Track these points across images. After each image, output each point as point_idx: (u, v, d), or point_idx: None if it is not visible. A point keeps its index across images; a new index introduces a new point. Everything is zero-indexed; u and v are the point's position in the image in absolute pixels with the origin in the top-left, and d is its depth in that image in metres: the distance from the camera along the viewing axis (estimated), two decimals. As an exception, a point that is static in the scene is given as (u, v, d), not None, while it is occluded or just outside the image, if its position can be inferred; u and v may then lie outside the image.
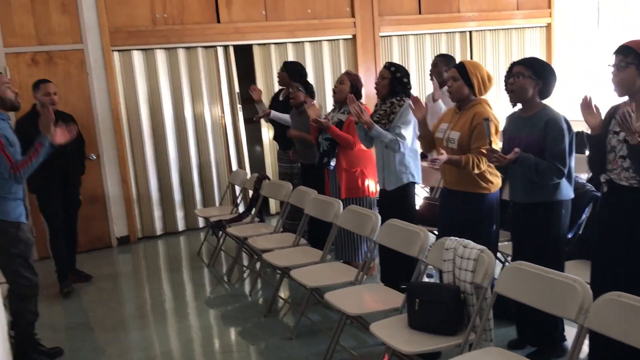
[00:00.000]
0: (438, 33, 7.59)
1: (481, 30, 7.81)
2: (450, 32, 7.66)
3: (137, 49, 6.20)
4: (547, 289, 2.32)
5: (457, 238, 2.88)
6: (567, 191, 3.11)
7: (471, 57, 7.79)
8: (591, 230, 3.30)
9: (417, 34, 7.49)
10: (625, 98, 2.70)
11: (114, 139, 6.13)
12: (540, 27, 8.15)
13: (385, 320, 2.88)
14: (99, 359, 3.76)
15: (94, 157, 5.95)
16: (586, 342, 2.82)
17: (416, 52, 7.54)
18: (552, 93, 3.19)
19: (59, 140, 3.50)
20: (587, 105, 2.75)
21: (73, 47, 5.88)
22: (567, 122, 3.07)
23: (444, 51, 7.57)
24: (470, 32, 7.77)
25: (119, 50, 6.12)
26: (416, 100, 3.62)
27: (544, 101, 3.19)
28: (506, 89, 3.24)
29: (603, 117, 2.79)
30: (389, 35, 7.33)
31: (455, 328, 2.67)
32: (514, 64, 3.21)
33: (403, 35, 7.42)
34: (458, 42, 7.74)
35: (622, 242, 2.69)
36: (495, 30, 7.88)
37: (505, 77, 3.26)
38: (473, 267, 2.68)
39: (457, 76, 3.37)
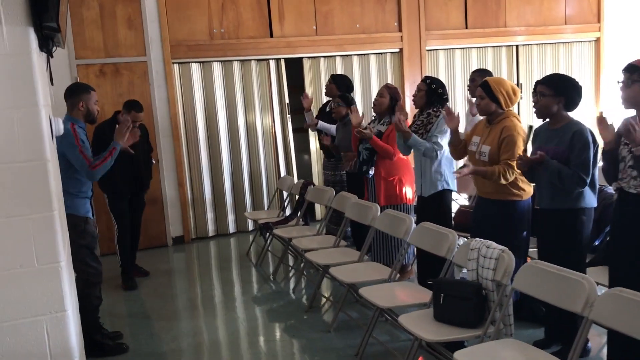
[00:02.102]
0: (484, 47, 7.75)
1: (528, 45, 7.91)
2: (496, 46, 7.80)
3: (195, 62, 6.66)
4: (558, 285, 2.53)
5: (481, 239, 3.10)
6: (590, 199, 3.29)
7: (517, 71, 7.91)
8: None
9: (463, 48, 7.68)
10: (634, 112, 2.89)
11: (172, 145, 6.58)
12: (589, 41, 8.16)
13: (413, 312, 3.13)
14: (154, 342, 4.13)
15: (154, 161, 6.39)
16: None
17: (462, 65, 7.72)
18: (579, 104, 3.37)
19: (127, 144, 3.94)
20: (601, 121, 2.94)
21: (137, 59, 6.37)
22: (592, 134, 3.25)
23: (490, 65, 7.73)
24: (517, 46, 7.88)
25: (178, 63, 6.59)
26: (449, 112, 3.87)
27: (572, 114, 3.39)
28: (533, 106, 3.44)
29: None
30: (436, 49, 7.55)
31: (476, 321, 2.88)
32: (537, 83, 3.40)
33: (449, 49, 7.62)
34: (505, 56, 7.87)
35: (633, 246, 2.86)
36: (542, 44, 7.97)
37: (533, 94, 3.46)
38: (494, 266, 2.89)
39: (483, 94, 3.62)
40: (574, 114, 3.40)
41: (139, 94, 6.37)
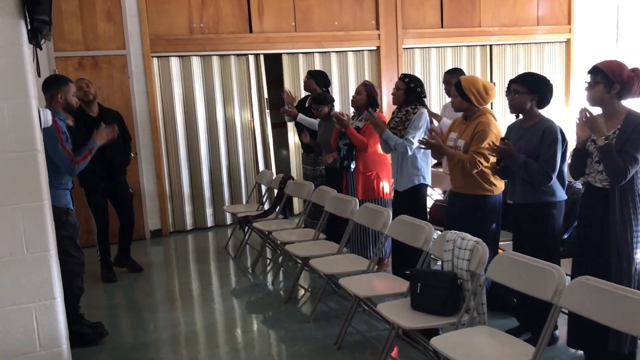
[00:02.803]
0: (459, 46, 7.91)
1: (501, 45, 8.10)
2: (471, 46, 7.97)
3: (174, 56, 6.68)
4: (530, 274, 2.67)
5: (457, 231, 3.23)
6: (560, 193, 3.45)
7: (491, 70, 8.10)
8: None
9: (439, 47, 7.83)
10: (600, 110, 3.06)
11: (150, 138, 6.60)
12: (560, 42, 8.39)
13: (391, 301, 3.25)
14: (134, 333, 4.19)
15: (132, 154, 6.40)
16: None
17: (438, 64, 7.87)
18: (551, 101, 3.53)
19: (103, 140, 4.01)
20: (583, 116, 3.10)
21: (116, 53, 6.37)
22: (562, 132, 3.41)
23: (464, 64, 7.91)
24: (491, 46, 8.07)
25: (158, 57, 6.61)
26: (432, 132, 3.93)
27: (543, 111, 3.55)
28: (508, 104, 3.59)
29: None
30: (412, 48, 7.69)
31: (451, 309, 3.01)
32: (511, 82, 3.55)
33: (425, 47, 7.77)
34: (479, 55, 8.04)
35: (596, 237, 3.02)
36: (515, 44, 8.17)
37: (506, 93, 3.61)
38: (469, 257, 3.02)
39: (455, 93, 3.78)
40: (545, 112, 3.56)
41: (117, 88, 6.38)
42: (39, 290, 2.48)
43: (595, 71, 3.03)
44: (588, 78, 3.06)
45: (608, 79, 2.98)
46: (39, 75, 2.96)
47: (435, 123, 5.44)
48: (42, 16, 2.32)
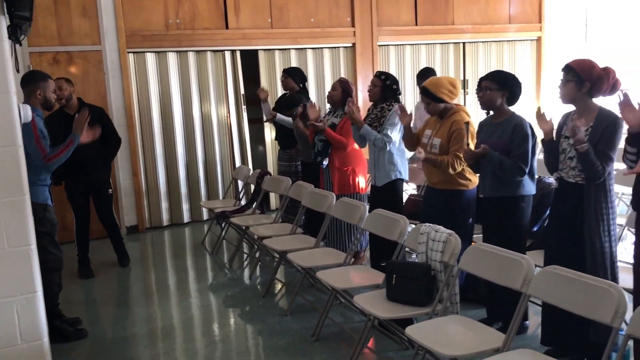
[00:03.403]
0: (433, 44, 8.04)
1: (474, 42, 8.26)
2: (444, 43, 8.11)
3: (150, 52, 6.67)
4: (500, 265, 2.78)
5: (431, 224, 3.32)
6: (529, 187, 3.57)
7: (464, 68, 8.25)
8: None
9: (413, 44, 7.95)
10: (572, 107, 3.17)
11: (126, 134, 6.58)
12: (531, 40, 8.58)
13: (367, 293, 3.33)
14: (112, 328, 4.21)
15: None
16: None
17: (412, 61, 7.99)
18: (519, 98, 3.65)
19: (85, 140, 3.99)
20: (539, 115, 3.22)
21: (92, 48, 6.34)
22: (531, 128, 3.53)
23: (438, 61, 8.05)
24: (464, 43, 8.22)
25: (133, 52, 6.59)
26: (402, 109, 4.10)
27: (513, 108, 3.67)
28: (479, 100, 3.70)
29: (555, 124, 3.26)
30: (387, 45, 7.79)
31: (425, 300, 3.11)
32: (482, 79, 3.67)
33: (400, 45, 7.88)
34: (452, 52, 8.19)
35: (568, 230, 3.14)
36: (487, 42, 8.33)
37: (477, 90, 3.72)
38: (442, 248, 3.12)
39: (427, 100, 3.91)
40: (515, 108, 3.68)
41: (93, 83, 6.36)
42: (20, 284, 2.51)
43: (567, 69, 3.14)
44: (562, 76, 3.18)
45: (579, 77, 3.09)
46: (17, 71, 2.98)
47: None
48: (23, 12, 2.34)
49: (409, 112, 4.16)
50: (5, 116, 2.40)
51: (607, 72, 3.12)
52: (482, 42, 8.30)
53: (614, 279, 3.08)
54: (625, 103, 2.72)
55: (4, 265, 2.46)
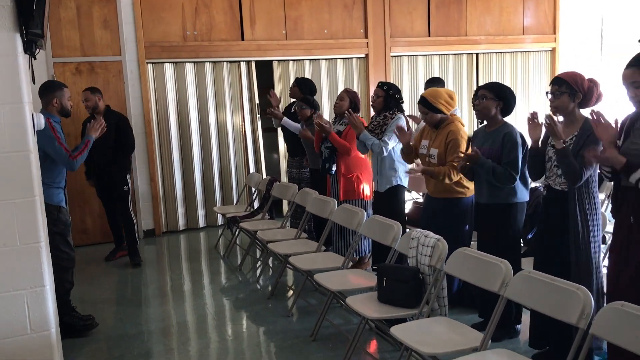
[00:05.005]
0: (446, 54, 8.16)
1: (488, 53, 8.35)
2: (458, 54, 8.22)
3: (168, 62, 6.94)
4: (480, 268, 2.91)
5: (421, 230, 3.46)
6: (522, 194, 3.68)
7: (477, 78, 8.35)
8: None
9: (426, 55, 8.08)
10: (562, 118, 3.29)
11: (144, 141, 6.84)
12: (545, 51, 8.64)
13: (360, 295, 3.48)
14: (124, 326, 4.41)
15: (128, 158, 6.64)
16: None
17: (425, 71, 8.11)
18: (513, 110, 3.78)
19: (95, 135, 4.28)
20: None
21: (112, 59, 6.63)
22: (522, 136, 3.65)
23: (451, 71, 8.17)
24: (477, 54, 8.32)
25: (152, 63, 6.86)
26: (400, 129, 4.25)
27: (507, 118, 3.80)
28: (474, 109, 3.84)
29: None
30: (400, 55, 7.94)
31: (414, 301, 3.24)
32: (479, 88, 3.81)
33: (413, 55, 8.02)
34: (465, 63, 8.30)
35: (556, 237, 3.25)
36: (501, 53, 8.41)
37: (473, 98, 3.86)
38: (430, 253, 3.26)
39: (425, 110, 4.05)
40: (510, 119, 3.81)
41: (113, 92, 6.63)
42: (30, 278, 2.72)
43: (560, 82, 3.26)
44: (550, 89, 3.30)
45: (572, 89, 3.21)
46: (33, 82, 3.21)
47: (413, 125, 5.69)
48: (36, 30, 2.56)
49: (412, 129, 4.30)
50: (19, 124, 2.62)
51: (595, 83, 3.24)
52: (496, 52, 8.38)
53: (598, 283, 3.18)
54: (598, 122, 2.81)
55: (15, 260, 2.68)
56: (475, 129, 4.09)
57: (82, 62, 6.51)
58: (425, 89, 5.89)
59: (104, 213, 6.10)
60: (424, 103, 4.07)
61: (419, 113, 4.54)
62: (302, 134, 5.53)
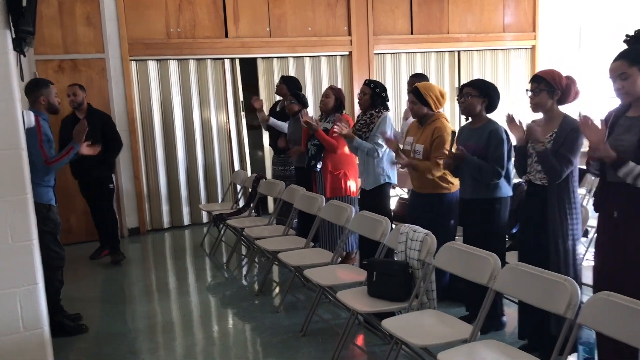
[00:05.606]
0: (428, 52, 8.24)
1: (469, 51, 8.45)
2: (439, 52, 8.30)
3: (152, 59, 6.91)
4: (469, 261, 2.96)
5: (410, 225, 3.52)
6: (505, 190, 3.75)
7: (459, 75, 8.44)
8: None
9: (408, 52, 8.15)
10: (541, 115, 3.36)
11: (128, 139, 6.81)
12: (526, 48, 8.76)
13: (350, 289, 3.52)
14: (112, 323, 4.40)
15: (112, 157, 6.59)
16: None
17: (407, 69, 8.18)
18: (498, 106, 3.85)
19: (84, 152, 4.20)
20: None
21: (95, 56, 6.59)
22: (506, 133, 3.72)
23: (433, 69, 8.24)
24: (459, 51, 8.41)
25: (136, 60, 6.83)
26: (389, 141, 4.29)
27: (491, 115, 3.87)
28: (459, 106, 3.90)
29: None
30: (383, 53, 8.00)
31: (403, 295, 3.29)
32: (464, 86, 3.87)
33: (395, 53, 8.08)
34: (447, 60, 8.38)
35: (536, 230, 3.32)
36: (482, 50, 8.52)
37: (458, 96, 3.92)
38: (419, 247, 3.31)
39: (414, 100, 4.08)
40: (494, 116, 3.88)
41: (96, 90, 6.59)
42: (22, 276, 2.71)
43: (539, 79, 3.33)
44: (529, 86, 3.37)
45: (550, 86, 3.28)
46: (22, 79, 3.19)
47: (398, 125, 5.75)
48: (27, 27, 2.55)
49: (397, 129, 4.35)
50: (10, 121, 2.61)
51: (572, 81, 3.32)
52: (477, 50, 8.48)
53: (576, 275, 3.26)
54: (585, 124, 2.88)
55: (7, 258, 2.67)
56: (458, 125, 4.15)
57: (65, 59, 6.46)
58: (409, 83, 5.94)
59: (89, 211, 6.05)
60: (415, 93, 4.12)
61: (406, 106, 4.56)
62: (291, 152, 5.58)
